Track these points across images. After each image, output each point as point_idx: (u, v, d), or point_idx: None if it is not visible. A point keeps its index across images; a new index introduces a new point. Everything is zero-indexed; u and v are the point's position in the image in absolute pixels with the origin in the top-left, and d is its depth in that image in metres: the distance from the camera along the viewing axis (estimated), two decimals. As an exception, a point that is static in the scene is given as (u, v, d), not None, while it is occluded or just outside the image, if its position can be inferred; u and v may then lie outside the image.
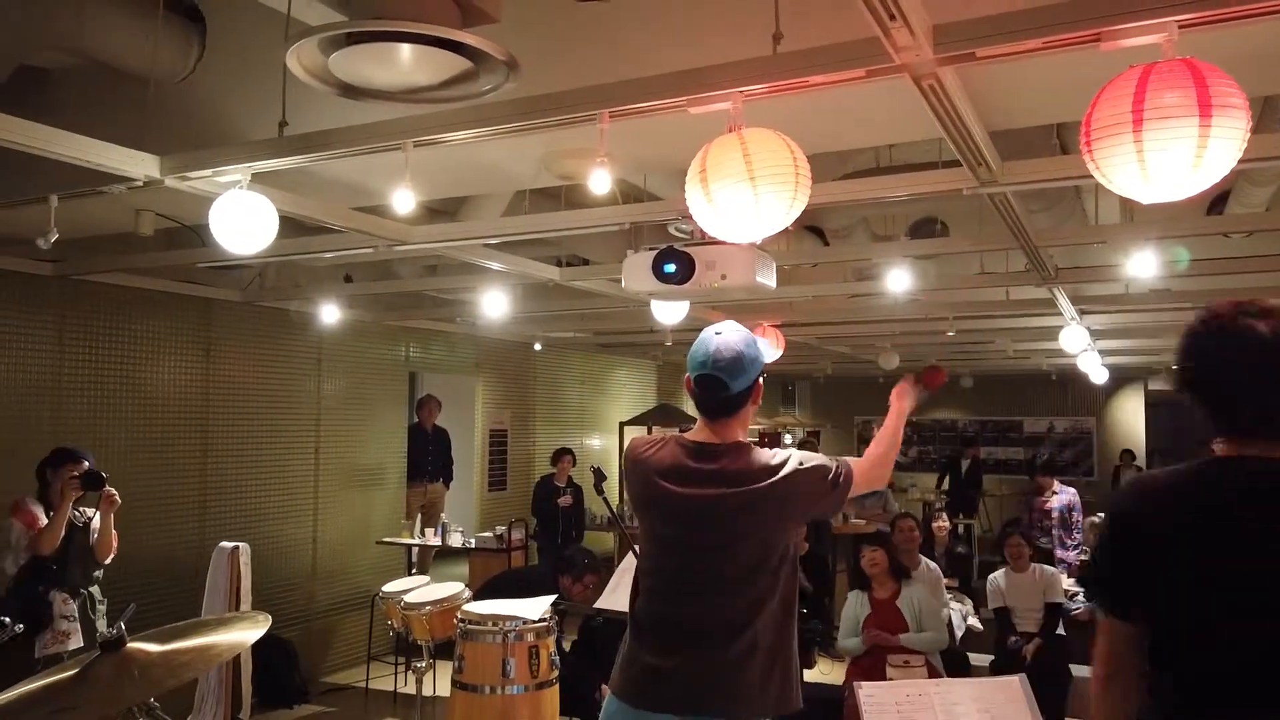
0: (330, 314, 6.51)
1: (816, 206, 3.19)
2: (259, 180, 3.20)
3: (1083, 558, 7.70)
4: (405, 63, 2.31)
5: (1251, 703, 1.45)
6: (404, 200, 2.91)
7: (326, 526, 7.14)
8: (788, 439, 13.21)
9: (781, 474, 2.25)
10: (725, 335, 2.35)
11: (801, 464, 2.28)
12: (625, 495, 2.39)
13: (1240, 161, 1.88)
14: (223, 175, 3.20)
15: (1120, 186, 1.93)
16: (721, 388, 2.30)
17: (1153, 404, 14.40)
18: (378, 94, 2.47)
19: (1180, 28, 1.95)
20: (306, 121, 2.98)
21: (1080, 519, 8.20)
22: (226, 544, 5.42)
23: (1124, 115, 1.83)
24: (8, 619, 3.55)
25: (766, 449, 2.35)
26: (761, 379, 2.39)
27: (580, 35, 2.83)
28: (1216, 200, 4.73)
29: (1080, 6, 2.02)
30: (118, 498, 4.18)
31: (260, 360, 6.67)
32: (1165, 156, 1.82)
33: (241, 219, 3.04)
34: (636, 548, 4.01)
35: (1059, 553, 8.06)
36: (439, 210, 4.90)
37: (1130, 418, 14.22)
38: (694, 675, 2.20)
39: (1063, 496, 8.32)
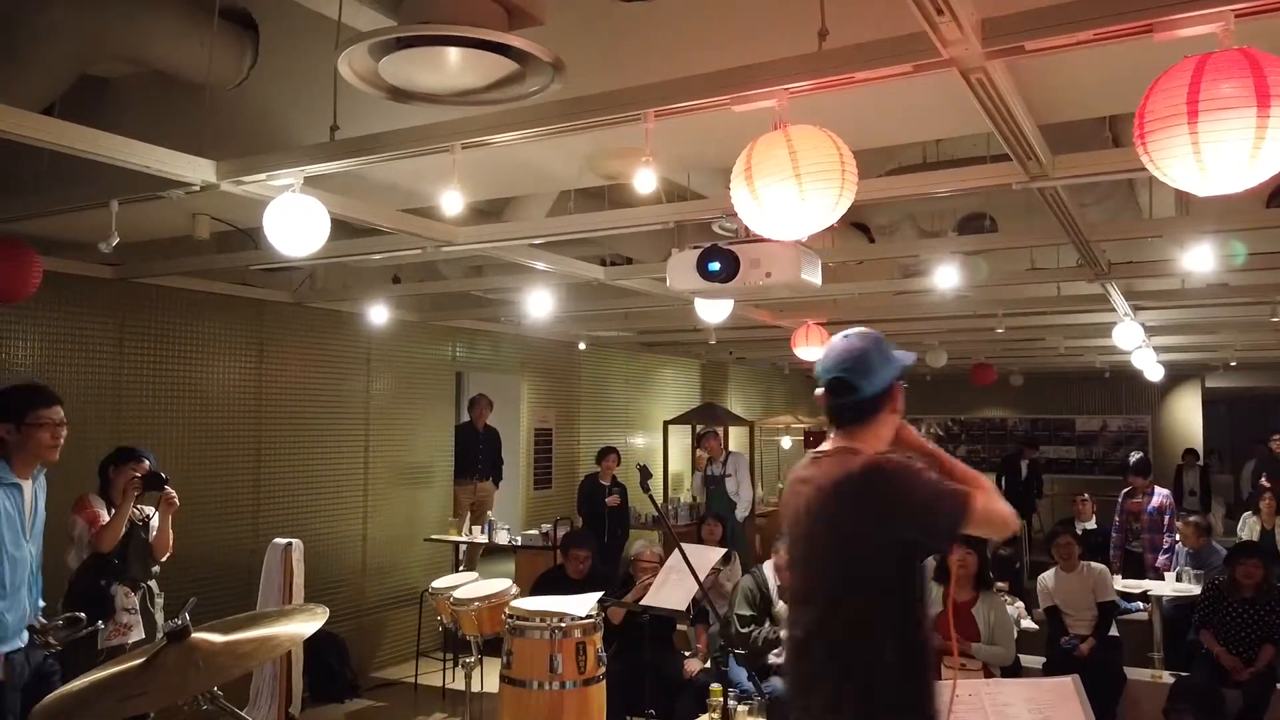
0: (378, 314, 6.61)
1: (863, 203, 3.17)
2: (310, 183, 3.27)
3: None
4: (453, 66, 2.35)
5: None
6: (452, 202, 2.96)
7: (376, 524, 7.25)
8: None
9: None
10: (851, 338, 2.23)
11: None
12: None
13: (1300, 152, 1.84)
14: (276, 179, 3.28)
15: (1175, 179, 1.89)
16: (847, 390, 2.18)
17: (1210, 401, 14.06)
18: (427, 97, 2.51)
19: (1237, 16, 1.91)
20: (357, 125, 3.04)
21: (1172, 521, 7.85)
22: (280, 540, 5.53)
23: (1179, 107, 1.80)
24: (83, 615, 3.68)
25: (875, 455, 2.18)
26: (898, 384, 2.24)
27: (624, 35, 2.84)
28: (1276, 191, 4.61)
29: (1135, -4, 1.99)
30: (177, 500, 4.29)
31: (311, 360, 6.79)
32: (1222, 148, 1.78)
33: (294, 222, 3.11)
34: (682, 545, 4.02)
35: (1149, 557, 7.68)
36: (484, 211, 4.96)
37: (1187, 416, 13.90)
38: None
39: (1155, 498, 8.02)
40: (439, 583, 5.45)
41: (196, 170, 3.25)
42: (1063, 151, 3.25)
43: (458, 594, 5.07)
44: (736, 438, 11.16)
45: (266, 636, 2.02)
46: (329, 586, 6.65)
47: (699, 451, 9.22)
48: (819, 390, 2.24)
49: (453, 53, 2.30)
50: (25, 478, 3.50)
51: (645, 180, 2.70)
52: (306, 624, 2.07)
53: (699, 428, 10.03)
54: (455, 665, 6.21)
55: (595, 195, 4.81)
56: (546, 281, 5.88)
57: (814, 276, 3.83)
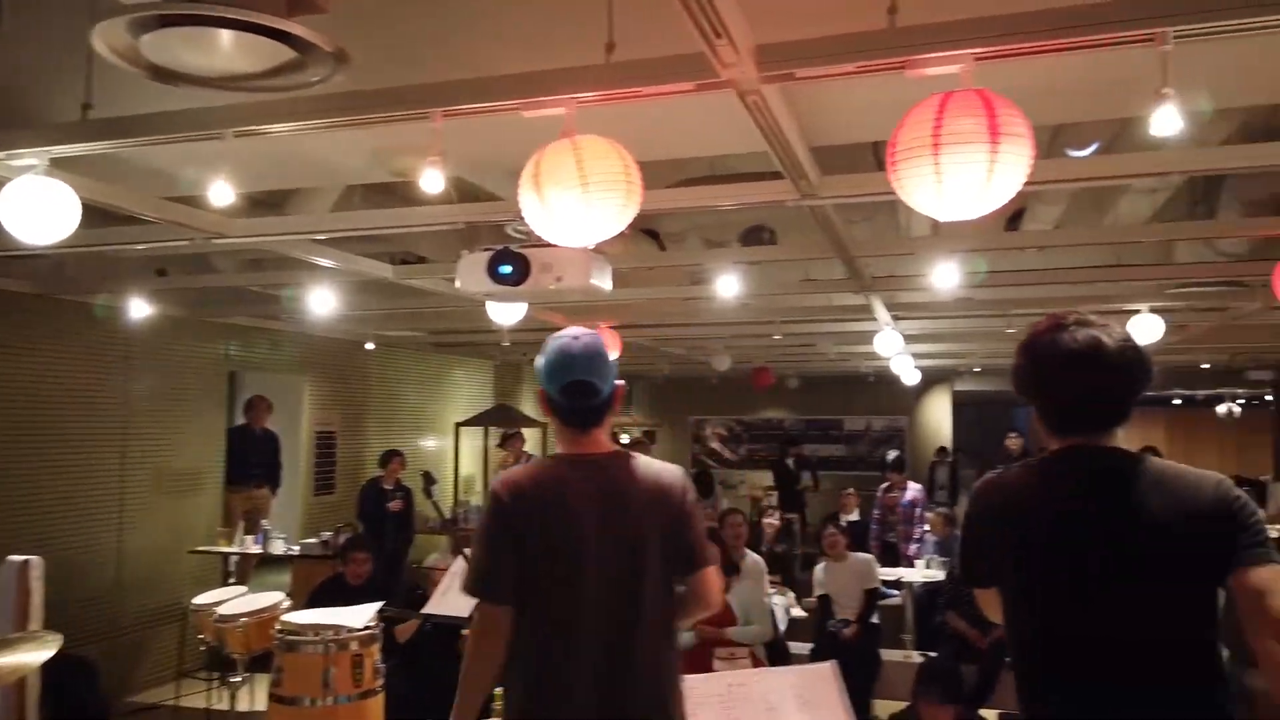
0: (140, 309, 6.11)
1: (650, 212, 3.27)
2: (59, 165, 2.97)
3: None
4: (225, 49, 2.20)
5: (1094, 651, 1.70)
6: (222, 193, 2.78)
7: (135, 535, 6.68)
8: (625, 439, 13.37)
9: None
10: (586, 339, 2.24)
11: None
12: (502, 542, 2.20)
13: (1027, 184, 2.07)
14: (16, 159, 2.95)
15: (919, 205, 2.08)
16: (594, 393, 2.22)
17: (959, 404, 15.48)
18: (194, 80, 2.34)
19: (976, 59, 2.12)
20: (116, 104, 2.79)
21: (923, 514, 8.63)
22: (15, 558, 4.98)
23: (925, 139, 1.98)
24: None
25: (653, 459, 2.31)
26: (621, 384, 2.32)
27: (415, 28, 2.78)
28: (1014, 216, 5.15)
29: (891, 35, 2.17)
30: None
31: (58, 358, 6.16)
32: (959, 179, 1.98)
33: (37, 207, 2.81)
34: (466, 551, 3.97)
35: (903, 546, 8.49)
36: (264, 202, 4.68)
37: (939, 416, 15.23)
38: None
39: (909, 492, 8.79)
40: (201, 598, 5.09)
41: (-85, 143, 2.88)
42: (838, 172, 3.48)
43: (222, 610, 4.76)
44: (530, 439, 11.14)
45: (-10, 667, 1.82)
46: (78, 605, 6.06)
47: (504, 453, 9.17)
48: (553, 390, 2.24)
49: (224, 35, 2.16)
50: None
51: (432, 180, 2.65)
52: (33, 654, 1.88)
53: (503, 430, 9.95)
54: (221, 685, 5.83)
55: (388, 190, 4.65)
56: (332, 279, 5.64)
57: (604, 282, 3.91)
